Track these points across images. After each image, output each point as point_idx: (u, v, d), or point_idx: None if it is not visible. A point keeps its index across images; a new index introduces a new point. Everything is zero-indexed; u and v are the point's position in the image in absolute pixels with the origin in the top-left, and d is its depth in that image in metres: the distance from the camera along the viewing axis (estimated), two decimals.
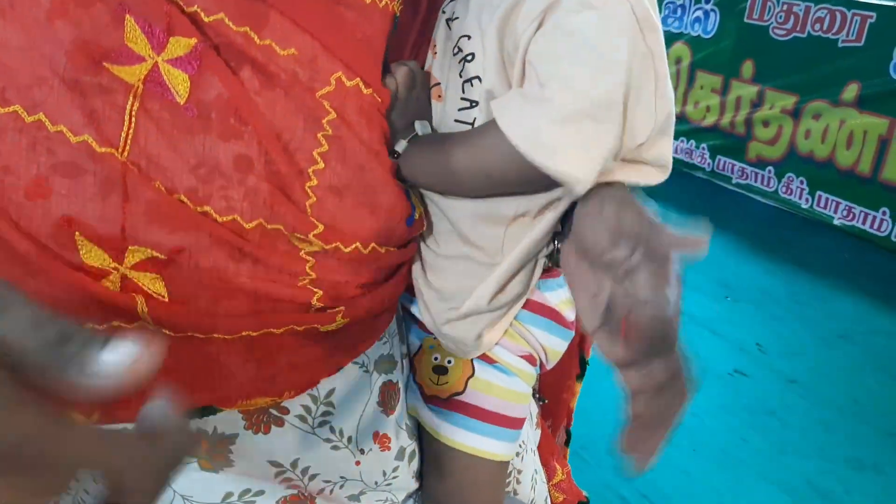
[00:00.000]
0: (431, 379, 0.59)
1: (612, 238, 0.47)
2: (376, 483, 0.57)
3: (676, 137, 4.23)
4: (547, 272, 0.60)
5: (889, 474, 2.26)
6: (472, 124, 0.52)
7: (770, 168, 3.80)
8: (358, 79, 0.49)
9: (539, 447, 0.79)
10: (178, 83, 0.44)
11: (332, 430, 0.54)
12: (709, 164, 4.11)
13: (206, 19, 0.45)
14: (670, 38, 4.19)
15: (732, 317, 2.94)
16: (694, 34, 4.09)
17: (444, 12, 0.56)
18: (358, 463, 0.56)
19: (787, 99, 3.67)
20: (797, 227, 3.61)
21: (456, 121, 0.53)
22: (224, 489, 0.52)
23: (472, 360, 0.59)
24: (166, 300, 0.46)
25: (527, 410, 0.62)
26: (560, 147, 0.45)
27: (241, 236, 0.46)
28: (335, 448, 0.55)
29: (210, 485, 0.52)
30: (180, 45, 0.44)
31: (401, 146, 0.52)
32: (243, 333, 0.48)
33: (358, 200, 0.50)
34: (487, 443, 0.59)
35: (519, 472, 0.69)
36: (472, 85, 0.51)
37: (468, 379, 0.59)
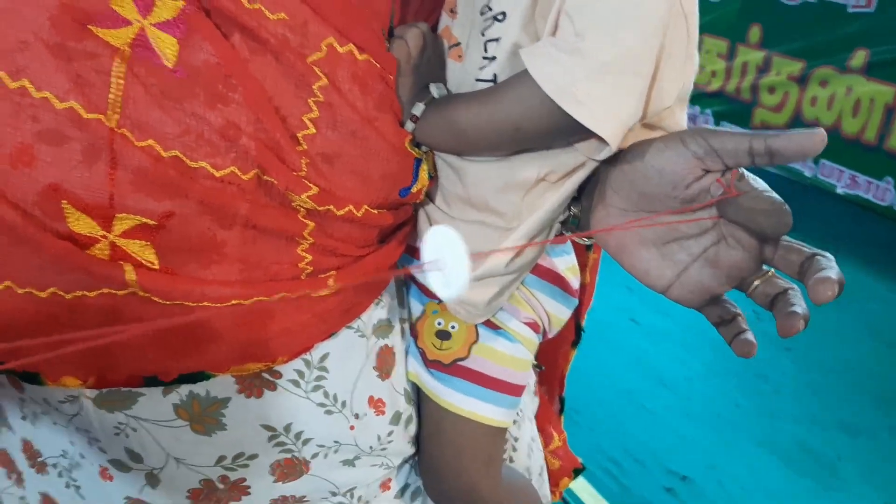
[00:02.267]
0: (434, 344, 0.58)
1: (698, 162, 0.46)
2: (371, 448, 0.56)
3: None
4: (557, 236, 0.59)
5: (881, 439, 2.28)
6: (494, 81, 0.50)
7: None
8: (351, 45, 0.47)
9: (536, 415, 0.78)
10: (166, 47, 0.42)
11: (325, 394, 0.53)
12: None
13: None
14: None
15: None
16: None
17: None
18: (352, 427, 0.55)
19: (794, 65, 3.62)
20: (799, 195, 3.59)
21: (477, 80, 0.51)
22: (217, 452, 0.51)
23: (476, 325, 0.58)
24: (156, 268, 0.44)
25: (527, 378, 0.61)
26: (593, 99, 0.44)
27: (238, 188, 0.44)
28: (329, 412, 0.53)
29: (203, 448, 0.51)
30: (167, 7, 0.42)
31: (418, 109, 0.50)
32: (233, 302, 0.46)
33: (349, 168, 0.48)
34: (488, 409, 0.58)
35: (515, 439, 0.68)
36: (497, 42, 0.49)
37: (472, 345, 0.58)
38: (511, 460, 0.67)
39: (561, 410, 0.86)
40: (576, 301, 0.63)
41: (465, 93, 0.51)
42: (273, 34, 0.45)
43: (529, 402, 0.73)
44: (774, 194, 0.45)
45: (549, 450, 0.83)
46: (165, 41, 0.42)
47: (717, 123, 4.03)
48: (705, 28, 4.01)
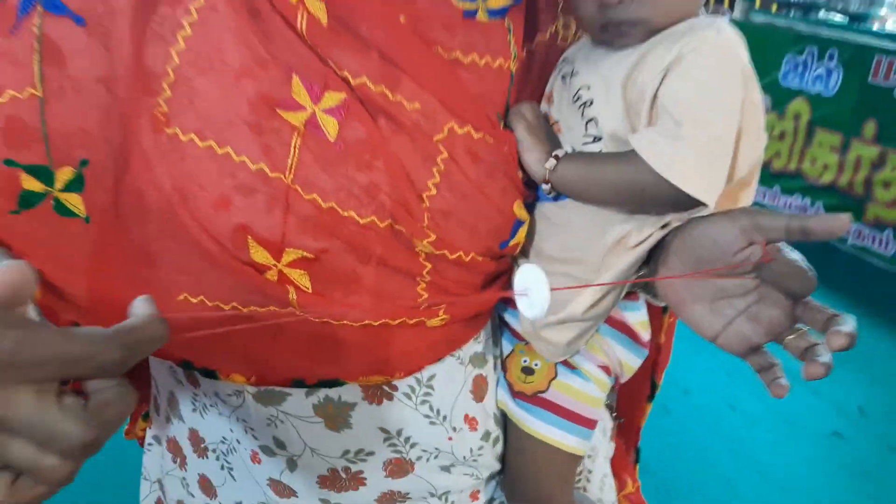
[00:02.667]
0: (519, 377, 0.69)
1: (745, 235, 0.56)
2: (464, 458, 0.68)
3: (791, 193, 4.17)
4: (628, 296, 0.70)
5: None
6: (600, 147, 0.63)
7: (889, 231, 3.68)
8: (469, 126, 0.61)
9: (613, 460, 0.87)
10: (330, 126, 0.58)
11: (430, 408, 0.65)
12: None
13: (353, 81, 0.58)
14: (789, 95, 4.16)
15: (836, 378, 2.87)
16: (814, 91, 4.04)
17: (560, 70, 0.67)
18: (450, 438, 0.67)
19: None
20: None
21: (583, 147, 0.64)
22: (343, 447, 0.64)
23: (556, 364, 0.69)
24: (310, 292, 0.58)
25: (599, 415, 0.72)
26: (693, 174, 0.56)
27: (375, 233, 0.58)
28: (432, 424, 0.66)
29: (333, 442, 0.64)
30: (333, 98, 0.58)
31: (552, 162, 0.63)
32: (366, 322, 0.60)
33: (460, 222, 0.62)
34: (563, 436, 0.69)
35: (590, 472, 0.78)
36: (595, 124, 0.62)
37: (551, 380, 0.69)
38: (584, 489, 0.77)
39: (636, 460, 0.94)
40: (646, 352, 0.73)
41: (603, 153, 0.63)
42: (409, 119, 0.60)
43: (606, 444, 0.83)
44: (804, 262, 0.55)
45: (622, 494, 0.91)
46: (330, 122, 0.58)
47: None
48: (818, 122, 4.01)
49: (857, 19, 3.95)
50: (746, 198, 0.65)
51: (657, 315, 0.83)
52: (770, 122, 4.31)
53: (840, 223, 0.54)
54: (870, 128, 3.75)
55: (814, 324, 0.55)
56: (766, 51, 4.28)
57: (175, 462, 0.76)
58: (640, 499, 0.94)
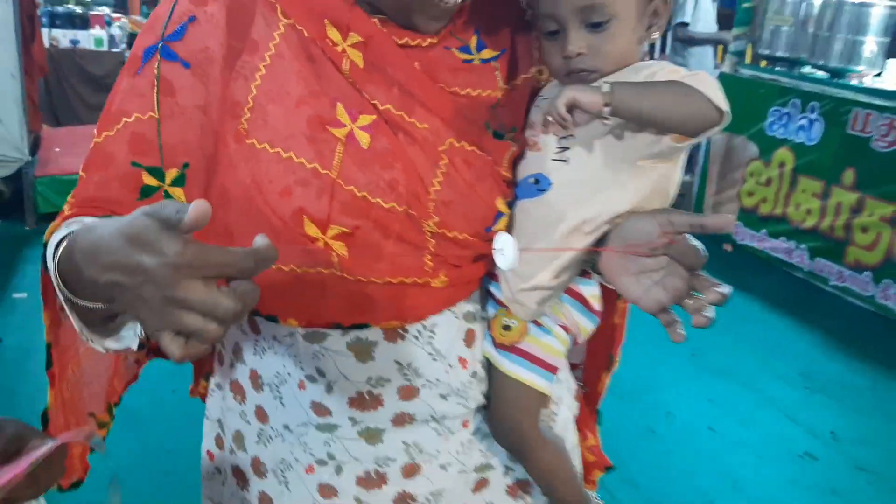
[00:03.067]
0: (500, 333, 0.91)
1: (659, 226, 0.77)
2: (457, 389, 0.89)
3: (777, 237, 4.39)
4: (583, 273, 0.92)
5: None
6: (567, 161, 0.85)
7: (868, 273, 3.89)
8: (464, 141, 0.85)
9: (578, 418, 1.09)
10: (363, 139, 0.81)
11: (433, 348, 0.86)
12: (808, 264, 4.22)
13: (380, 107, 0.82)
14: (775, 144, 4.41)
15: (810, 404, 3.06)
16: (798, 141, 4.29)
17: (537, 104, 0.91)
18: (446, 372, 0.87)
19: (887, 207, 3.79)
20: (890, 332, 3.67)
21: (553, 160, 0.86)
22: (368, 374, 0.85)
23: (528, 323, 0.91)
24: (347, 258, 0.81)
25: (560, 363, 0.93)
26: (722, 102, 0.79)
27: (395, 216, 0.81)
28: (433, 360, 0.87)
29: (360, 371, 0.85)
30: (366, 119, 0.81)
31: (606, 87, 0.78)
32: (387, 279, 0.82)
33: (458, 210, 0.84)
34: (532, 376, 0.90)
35: (555, 415, 0.98)
36: (566, 140, 0.85)
37: (524, 334, 0.91)
38: (550, 427, 0.98)
39: (598, 420, 1.15)
40: (597, 319, 0.94)
41: (650, 82, 0.82)
42: (420, 135, 0.82)
43: (569, 399, 1.03)
44: (697, 244, 0.77)
45: (585, 445, 1.12)
46: (363, 136, 0.81)
47: (811, 259, 4.19)
48: (801, 169, 4.26)
49: (837, 75, 4.21)
50: (662, 205, 0.88)
51: (612, 300, 1.05)
52: (757, 169, 4.56)
53: (726, 221, 0.77)
54: (849, 175, 3.99)
55: (702, 290, 0.77)
56: (754, 102, 4.55)
57: (236, 399, 0.95)
58: (601, 452, 1.15)
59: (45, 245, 0.76)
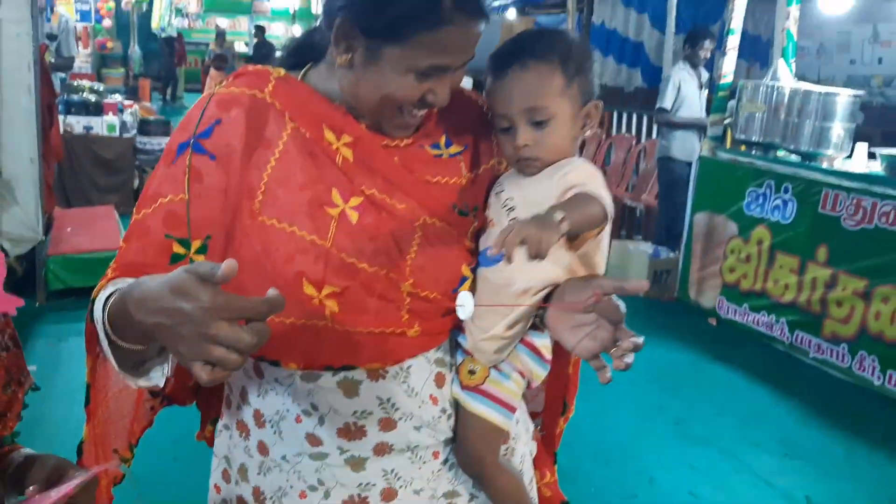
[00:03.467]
0: (466, 376, 1.08)
1: (590, 289, 0.95)
2: (428, 422, 1.05)
3: (758, 311, 4.56)
4: (535, 327, 1.09)
5: None
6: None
7: (844, 345, 4.04)
8: (435, 218, 1.04)
9: (535, 458, 1.24)
10: (353, 216, 1.00)
11: (408, 386, 1.03)
12: (787, 337, 4.37)
13: (367, 192, 1.01)
14: (753, 222, 4.63)
15: (787, 471, 3.17)
16: (774, 220, 4.51)
17: (494, 189, 1.10)
18: (420, 406, 1.04)
19: (859, 282, 3.97)
20: (867, 401, 3.79)
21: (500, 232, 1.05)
22: (354, 408, 1.01)
23: (489, 368, 1.08)
24: (338, 312, 0.99)
25: (518, 404, 1.09)
26: (609, 208, 0.97)
27: (377, 278, 0.99)
28: (409, 396, 1.03)
29: (347, 405, 1.00)
30: (355, 201, 1.00)
31: (558, 215, 0.90)
32: (370, 330, 1.00)
33: (429, 274, 1.02)
34: (493, 414, 1.06)
35: (512, 450, 1.14)
36: (513, 221, 1.04)
37: (486, 378, 1.08)
38: (509, 460, 1.13)
39: (554, 461, 1.31)
40: (548, 366, 1.11)
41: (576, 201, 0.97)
42: (399, 214, 1.01)
43: (526, 437, 1.18)
44: (619, 303, 0.95)
45: (543, 482, 1.27)
46: (353, 214, 1.00)
47: (791, 332, 4.34)
48: (778, 246, 4.46)
49: (808, 157, 4.46)
50: (600, 266, 1.06)
51: (566, 353, 1.21)
52: (737, 246, 4.77)
53: (640, 285, 0.95)
54: (822, 252, 4.19)
55: (622, 339, 0.93)
56: (732, 183, 4.80)
57: (241, 436, 1.10)
58: (557, 488, 1.30)
59: (93, 301, 0.94)
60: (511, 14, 13.68)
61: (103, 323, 0.88)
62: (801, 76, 11.48)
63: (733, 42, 4.90)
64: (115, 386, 1.06)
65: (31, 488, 0.86)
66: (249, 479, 1.11)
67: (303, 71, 1.08)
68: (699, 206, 5.09)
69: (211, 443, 1.24)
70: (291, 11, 17.02)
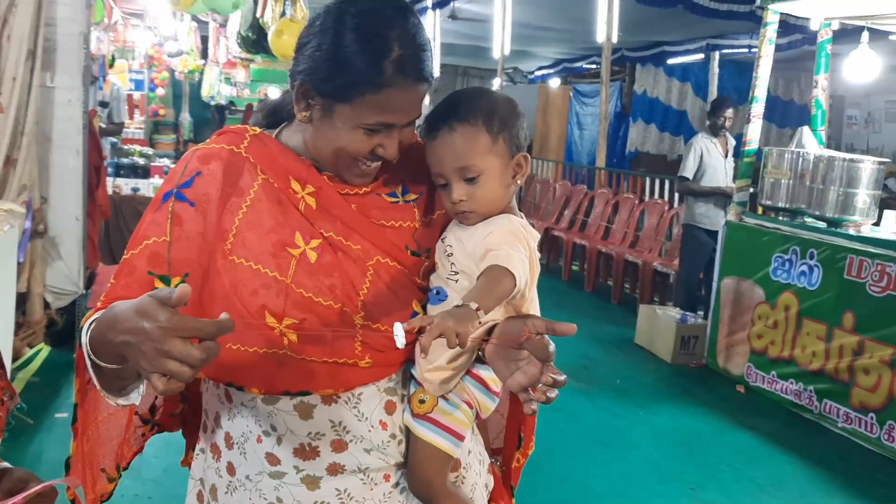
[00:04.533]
0: (417, 405, 1.14)
1: (525, 328, 1.02)
2: (378, 445, 1.11)
3: (786, 379, 4.49)
4: (481, 360, 1.15)
5: None
6: (457, 282, 1.12)
7: (872, 415, 3.94)
8: (388, 258, 1.13)
9: (493, 491, 1.29)
10: (312, 255, 1.09)
11: (359, 411, 1.10)
12: (816, 406, 4.29)
13: (325, 235, 1.10)
14: (779, 288, 4.61)
15: None
16: (800, 285, 4.48)
17: (442, 236, 1.19)
18: (369, 431, 1.10)
19: (885, 350, 3.90)
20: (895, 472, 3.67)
21: (447, 278, 1.14)
22: (308, 429, 1.07)
23: (438, 398, 1.14)
24: (296, 343, 1.07)
25: (466, 432, 1.15)
26: (521, 275, 1.03)
27: (332, 311, 1.07)
28: (359, 420, 1.09)
29: (303, 426, 1.06)
30: (315, 242, 1.10)
31: (473, 306, 0.97)
32: (324, 359, 1.08)
33: (381, 309, 1.10)
34: (441, 440, 1.12)
35: (462, 478, 1.19)
36: (454, 265, 1.13)
37: (435, 406, 1.14)
38: (458, 487, 1.18)
39: (511, 494, 1.35)
40: (496, 399, 1.17)
41: (483, 281, 1.03)
42: (354, 254, 1.09)
43: (478, 466, 1.23)
44: (548, 342, 1.01)
45: None
46: (312, 254, 1.08)
47: (819, 401, 4.25)
48: (805, 312, 4.41)
49: (834, 224, 4.45)
50: (530, 309, 1.13)
51: (517, 401, 1.26)
52: (764, 312, 4.73)
53: (570, 328, 1.01)
54: (848, 319, 4.14)
55: (545, 376, 1.00)
56: (758, 249, 4.79)
57: (213, 458, 1.18)
58: None
59: (81, 328, 1.04)
60: (553, 83, 14.02)
61: (86, 346, 0.97)
62: (849, 145, 11.44)
63: (757, 110, 4.97)
64: (104, 410, 1.16)
65: None
66: (219, 499, 1.18)
67: (278, 129, 1.20)
68: (726, 272, 5.08)
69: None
70: None
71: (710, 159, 5.59)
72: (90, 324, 0.99)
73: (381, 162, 1.12)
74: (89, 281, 4.70)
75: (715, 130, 5.66)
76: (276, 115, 1.24)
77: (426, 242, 1.19)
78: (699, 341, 5.27)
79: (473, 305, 0.97)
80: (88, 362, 0.99)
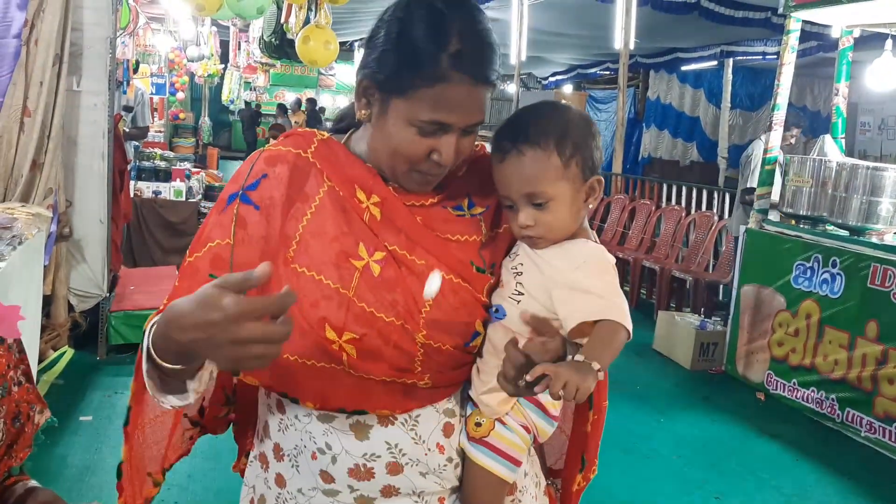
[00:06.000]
0: (473, 428, 1.14)
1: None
2: (434, 469, 1.11)
3: (807, 387, 4.47)
4: None
5: None
6: (519, 302, 1.11)
7: None
8: (452, 274, 1.13)
9: None
10: (376, 269, 1.09)
11: (416, 433, 1.10)
12: (838, 415, 4.27)
13: (390, 247, 1.10)
14: (801, 296, 4.59)
15: None
16: (822, 294, 4.46)
17: (511, 252, 1.18)
18: (426, 454, 1.10)
19: None
20: None
21: (510, 297, 1.12)
22: (364, 450, 1.07)
23: (494, 421, 1.15)
24: (355, 358, 1.08)
25: (522, 456, 1.15)
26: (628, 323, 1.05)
27: (393, 328, 1.07)
28: (416, 443, 1.09)
29: (359, 447, 1.07)
30: (379, 255, 1.10)
31: (596, 366, 0.96)
32: (382, 378, 1.09)
33: (442, 328, 1.10)
34: (497, 466, 1.12)
35: (519, 501, 1.18)
36: (522, 285, 1.12)
37: (491, 430, 1.14)
38: None
39: None
40: (555, 423, 1.17)
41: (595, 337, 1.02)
42: (418, 269, 1.09)
43: (534, 489, 1.21)
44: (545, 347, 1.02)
45: None
46: (376, 267, 1.08)
47: (841, 409, 4.23)
48: (827, 320, 4.39)
49: (857, 232, 4.43)
50: None
51: (583, 411, 1.27)
52: (785, 320, 4.71)
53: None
54: (872, 327, 4.12)
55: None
56: (779, 256, 4.77)
57: (262, 468, 1.18)
58: None
59: (144, 332, 1.02)
60: (567, 89, 14.01)
61: (148, 349, 0.96)
62: (862, 151, 11.33)
63: (779, 117, 4.95)
64: (150, 413, 1.16)
65: None
66: None
67: (346, 135, 1.20)
68: (746, 279, 5.06)
69: (243, 473, 1.32)
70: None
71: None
72: (151, 326, 0.98)
73: (440, 171, 1.10)
74: (112, 284, 4.73)
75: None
76: (343, 121, 1.23)
77: (492, 258, 1.17)
78: (718, 348, 5.25)
79: (596, 366, 0.96)
80: (145, 364, 0.97)
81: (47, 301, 4.21)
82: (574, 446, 1.30)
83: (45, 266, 3.85)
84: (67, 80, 4.06)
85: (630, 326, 1.03)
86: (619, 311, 1.03)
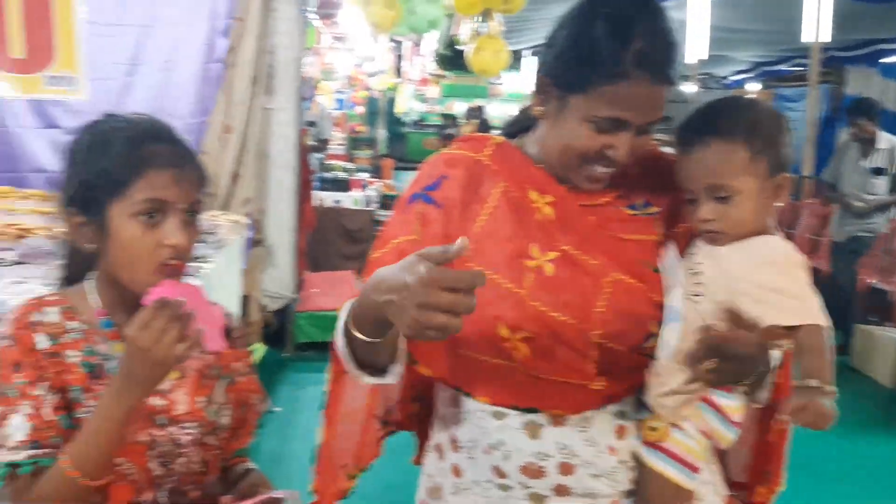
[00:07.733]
0: (647, 432, 1.11)
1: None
2: (606, 472, 1.09)
3: None
4: (722, 387, 1.10)
5: None
6: (697, 302, 1.07)
7: None
8: (627, 275, 1.11)
9: None
10: (549, 269, 1.10)
11: (587, 436, 1.09)
12: None
13: (562, 247, 1.10)
14: None
15: None
16: None
17: (689, 251, 1.15)
18: (598, 456, 1.08)
19: None
20: None
21: (687, 297, 1.08)
22: (535, 449, 1.06)
23: (670, 426, 1.11)
24: (528, 356, 1.09)
25: (700, 462, 1.11)
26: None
27: (567, 326, 1.07)
28: (587, 445, 1.08)
29: (530, 445, 1.07)
30: (551, 255, 1.10)
31: (829, 389, 0.98)
32: (556, 377, 1.09)
33: (616, 329, 1.09)
34: (672, 471, 1.08)
35: None
36: (700, 284, 1.08)
37: (667, 435, 1.11)
38: None
39: None
40: (736, 430, 1.11)
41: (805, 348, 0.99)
42: (591, 269, 1.09)
43: (713, 498, 1.15)
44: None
45: None
46: (549, 267, 1.09)
47: None
48: None
49: None
50: None
51: (767, 420, 1.19)
52: None
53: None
54: None
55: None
56: None
57: (439, 458, 1.22)
58: None
59: (340, 309, 1.08)
60: (751, 87, 13.24)
61: (345, 322, 1.03)
62: None
63: None
64: (344, 406, 1.21)
65: (225, 497, 1.10)
66: (443, 498, 1.21)
67: (519, 138, 1.23)
68: None
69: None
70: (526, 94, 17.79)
71: None
72: (350, 303, 1.04)
73: (612, 168, 1.09)
74: (298, 287, 5.06)
75: None
76: (519, 126, 1.26)
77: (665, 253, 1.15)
78: None
79: (829, 388, 0.97)
80: (341, 340, 1.03)
81: (242, 302, 4.58)
82: (758, 457, 1.25)
83: (242, 269, 4.19)
84: (262, 99, 4.41)
85: (828, 325, 0.99)
86: (817, 313, 0.99)
